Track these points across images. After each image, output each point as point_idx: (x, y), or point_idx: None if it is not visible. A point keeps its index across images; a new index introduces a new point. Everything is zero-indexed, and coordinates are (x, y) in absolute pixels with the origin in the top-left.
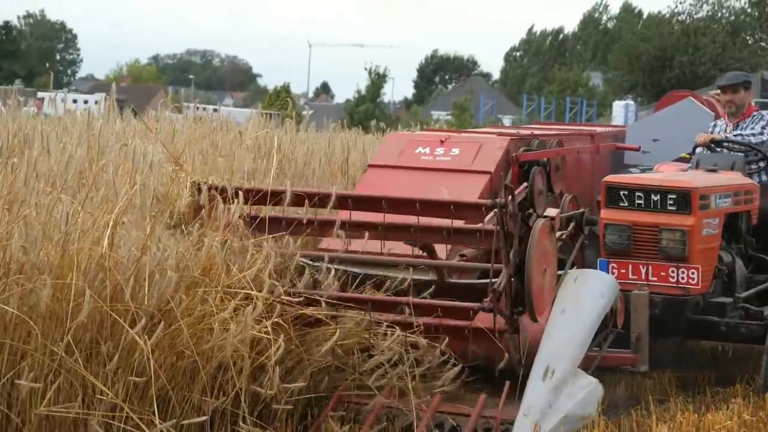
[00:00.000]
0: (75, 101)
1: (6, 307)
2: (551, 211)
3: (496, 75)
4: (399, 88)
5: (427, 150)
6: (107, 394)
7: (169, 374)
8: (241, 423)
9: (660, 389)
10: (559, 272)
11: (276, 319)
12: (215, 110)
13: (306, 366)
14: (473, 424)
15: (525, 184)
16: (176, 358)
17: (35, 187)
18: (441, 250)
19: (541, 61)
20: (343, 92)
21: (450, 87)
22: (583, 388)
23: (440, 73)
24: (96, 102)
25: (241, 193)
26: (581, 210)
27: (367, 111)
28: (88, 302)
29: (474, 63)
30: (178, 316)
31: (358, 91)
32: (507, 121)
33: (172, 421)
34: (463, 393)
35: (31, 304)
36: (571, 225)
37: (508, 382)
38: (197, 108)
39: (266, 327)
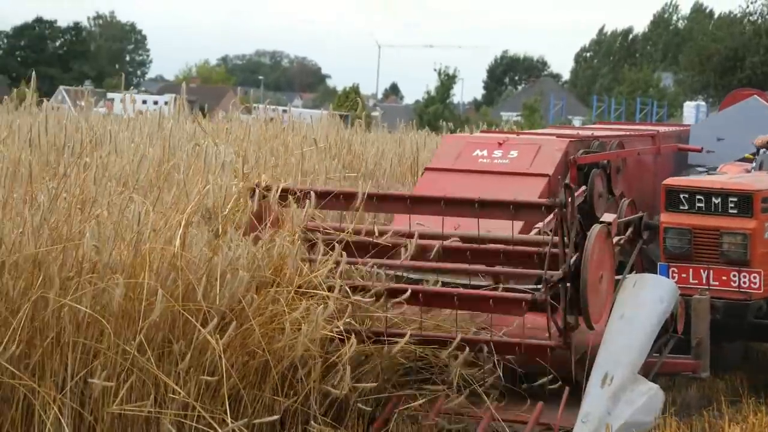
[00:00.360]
0: (144, 102)
1: (79, 306)
2: (608, 217)
3: (566, 76)
4: (468, 89)
5: (485, 152)
6: (179, 393)
7: (240, 373)
8: (312, 422)
9: (732, 390)
10: (618, 277)
11: (347, 319)
12: (284, 111)
13: (377, 366)
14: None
15: (584, 187)
16: (248, 357)
17: (107, 186)
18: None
19: (611, 62)
20: (412, 93)
21: (520, 88)
22: (643, 395)
23: (510, 73)
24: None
25: (312, 194)
26: (639, 214)
27: (437, 112)
28: (161, 301)
29: (544, 64)
30: (249, 316)
31: (428, 92)
32: (577, 122)
33: (243, 420)
34: (521, 400)
35: (103, 303)
36: (630, 230)
37: (567, 388)
38: (267, 109)
39: (338, 327)
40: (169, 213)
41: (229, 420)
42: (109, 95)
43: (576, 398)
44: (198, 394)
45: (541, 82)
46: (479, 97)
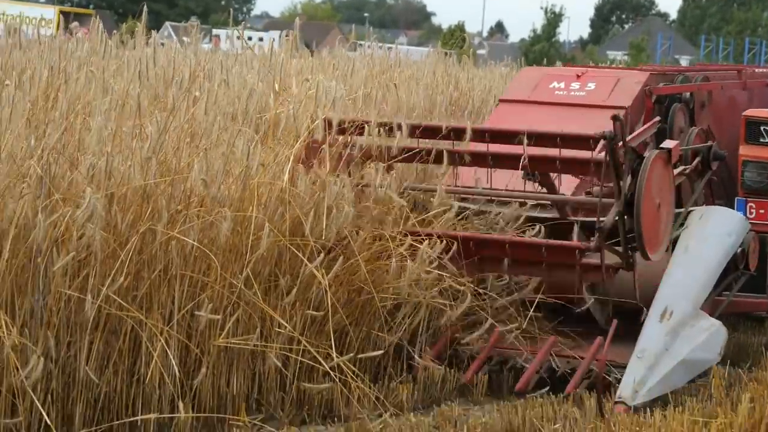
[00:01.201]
0: (250, 38)
1: (186, 239)
2: (668, 143)
3: (673, 15)
4: (575, 28)
5: (562, 84)
6: (285, 327)
7: (347, 309)
8: (417, 357)
9: None
10: (679, 210)
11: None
12: (390, 48)
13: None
14: (587, 367)
15: (657, 118)
16: (354, 293)
17: (216, 120)
18: (567, 189)
19: (720, 1)
20: (518, 31)
21: (627, 27)
22: (704, 331)
23: (617, 12)
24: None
25: (404, 126)
26: (708, 144)
27: (543, 50)
28: (267, 236)
29: (651, 2)
30: (355, 251)
31: (534, 30)
32: (684, 61)
33: (349, 355)
34: (579, 335)
35: (211, 237)
36: (697, 160)
37: (615, 321)
38: (373, 45)
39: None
40: (278, 148)
41: (334, 354)
42: (215, 31)
43: (635, 334)
44: (303, 329)
45: (648, 20)
46: (585, 35)
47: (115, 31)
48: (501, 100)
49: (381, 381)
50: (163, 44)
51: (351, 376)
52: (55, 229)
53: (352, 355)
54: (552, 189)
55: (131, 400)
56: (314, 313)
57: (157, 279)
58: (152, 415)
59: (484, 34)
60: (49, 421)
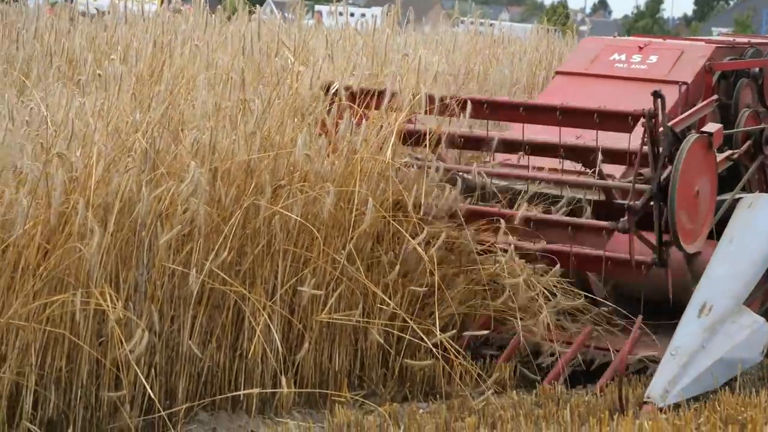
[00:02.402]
0: (353, 14)
1: (290, 214)
2: (711, 127)
3: None
4: (679, 4)
5: (623, 57)
6: (388, 304)
7: (450, 289)
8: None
9: None
10: (723, 196)
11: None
12: (492, 24)
13: None
14: (622, 361)
15: (714, 97)
16: (457, 272)
17: (319, 95)
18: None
19: None
20: (621, 8)
21: (732, 3)
22: (746, 329)
23: None
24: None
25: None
26: (761, 126)
27: (646, 27)
28: (371, 211)
29: None
30: (465, 230)
31: (637, 7)
32: None
33: (452, 332)
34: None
35: (314, 212)
36: (748, 143)
37: (640, 317)
38: (475, 21)
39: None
40: (381, 122)
41: (437, 331)
42: (317, 8)
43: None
44: (407, 306)
45: None
46: (690, 12)
47: (219, 6)
48: (557, 72)
49: (483, 359)
50: (265, 20)
51: (453, 354)
52: (159, 203)
53: (454, 331)
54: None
55: (234, 374)
56: (417, 289)
57: (261, 254)
58: (255, 390)
59: (587, 10)
60: (152, 395)
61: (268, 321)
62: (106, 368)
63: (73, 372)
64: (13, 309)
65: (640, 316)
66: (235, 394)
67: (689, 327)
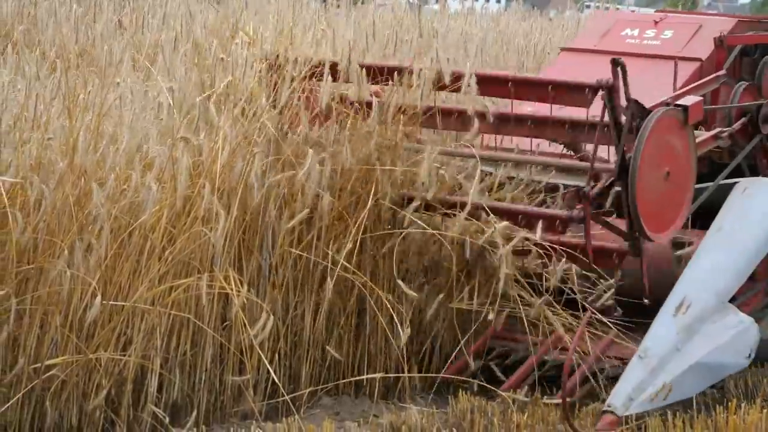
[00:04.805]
0: None
1: (431, 230)
2: (687, 99)
3: None
4: None
5: (635, 32)
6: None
7: None
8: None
9: None
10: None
11: None
12: (617, 9)
13: None
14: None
15: (721, 72)
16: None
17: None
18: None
19: None
20: None
21: None
22: (729, 329)
23: None
24: (498, 1)
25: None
26: (759, 102)
27: None
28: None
29: None
30: None
31: None
32: None
33: None
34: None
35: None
36: (741, 121)
37: (588, 314)
38: (599, 7)
39: None
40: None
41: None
42: None
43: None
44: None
45: None
46: None
47: None
48: (562, 49)
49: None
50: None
51: None
52: (281, 188)
53: None
54: (578, 151)
55: (357, 360)
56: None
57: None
58: (378, 375)
59: None
60: (276, 380)
61: (391, 311)
62: (230, 352)
63: (198, 356)
64: (138, 293)
65: (588, 313)
66: (358, 378)
67: (662, 326)
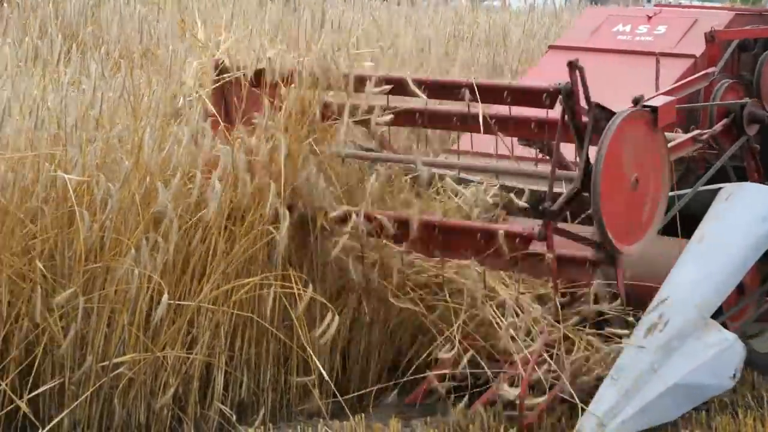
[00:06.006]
0: None
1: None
2: (657, 100)
3: None
4: None
5: (627, 28)
6: None
7: None
8: None
9: None
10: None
11: None
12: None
13: None
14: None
15: (710, 70)
16: None
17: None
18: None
19: None
20: None
21: None
22: (711, 348)
23: None
24: None
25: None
26: (743, 101)
27: None
28: None
29: None
30: None
31: None
32: None
33: None
34: None
35: None
36: (724, 121)
37: (544, 325)
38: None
39: None
40: None
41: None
42: None
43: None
44: None
45: None
46: None
47: None
48: (550, 47)
49: None
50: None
51: None
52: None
53: None
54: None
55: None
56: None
57: None
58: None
59: None
60: (341, 379)
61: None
62: (295, 351)
63: (262, 355)
64: (203, 293)
65: (544, 325)
66: (422, 375)
67: (638, 345)
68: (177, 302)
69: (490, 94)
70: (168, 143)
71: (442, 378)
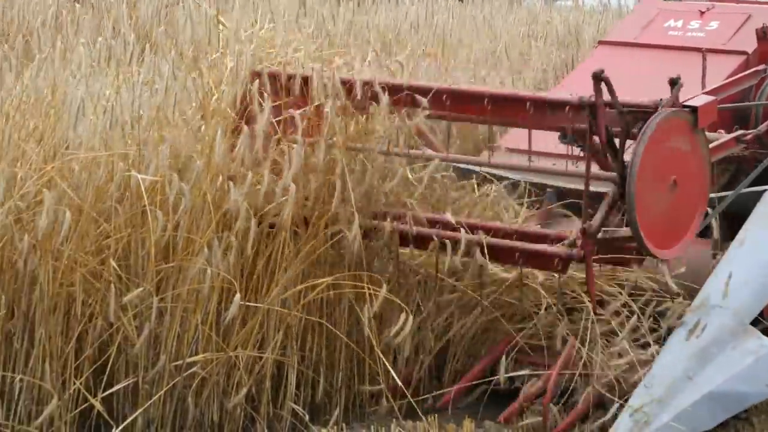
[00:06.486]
0: None
1: None
2: (698, 100)
3: None
4: None
5: (679, 23)
6: None
7: None
8: None
9: None
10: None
11: None
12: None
13: None
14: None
15: (761, 67)
16: None
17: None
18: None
19: None
20: None
21: None
22: (749, 354)
23: None
24: None
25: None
26: None
27: None
28: None
29: None
30: None
31: None
32: None
33: None
34: None
35: None
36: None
37: (572, 338)
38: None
39: None
40: None
41: None
42: None
43: None
44: None
45: None
46: None
47: None
48: (600, 43)
49: None
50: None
51: None
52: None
53: None
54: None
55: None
56: None
57: None
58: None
59: None
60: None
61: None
62: (368, 353)
63: (334, 355)
64: (274, 294)
65: (572, 338)
66: (495, 378)
67: (673, 351)
68: (247, 304)
69: (512, 104)
70: (238, 143)
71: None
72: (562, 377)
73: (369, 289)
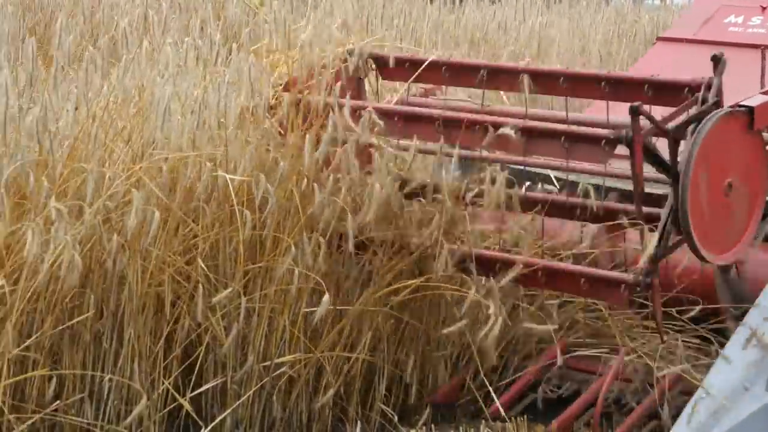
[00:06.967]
0: None
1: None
2: (753, 100)
3: None
4: None
5: (740, 19)
6: None
7: None
8: None
9: None
10: None
11: None
12: None
13: None
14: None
15: None
16: None
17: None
18: None
19: None
20: None
21: None
22: None
23: None
24: None
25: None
26: None
27: None
28: None
29: None
30: None
31: None
32: None
33: None
34: None
35: None
36: None
37: (624, 349)
38: None
39: None
40: None
41: None
42: None
43: None
44: None
45: None
46: None
47: None
48: (658, 39)
49: None
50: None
51: None
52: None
53: None
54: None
55: None
56: None
57: None
58: None
59: None
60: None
61: None
62: (469, 350)
63: (423, 356)
64: (364, 296)
65: (624, 348)
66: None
67: (730, 360)
68: (336, 307)
69: (588, 85)
70: (323, 144)
71: None
72: (615, 385)
73: (458, 291)
